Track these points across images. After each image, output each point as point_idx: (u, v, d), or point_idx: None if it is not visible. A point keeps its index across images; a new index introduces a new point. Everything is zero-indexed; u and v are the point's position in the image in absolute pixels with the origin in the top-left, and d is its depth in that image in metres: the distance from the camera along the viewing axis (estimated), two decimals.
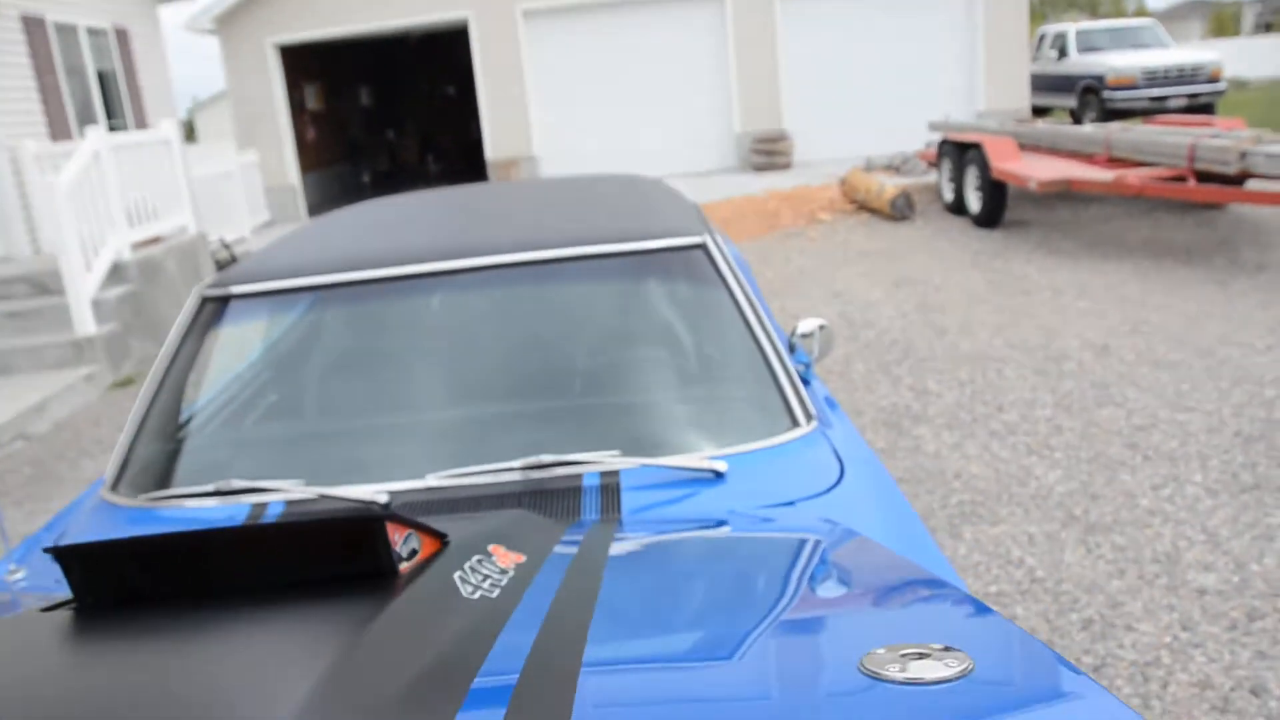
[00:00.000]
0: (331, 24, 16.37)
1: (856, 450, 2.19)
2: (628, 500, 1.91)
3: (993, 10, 16.37)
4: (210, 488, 2.07)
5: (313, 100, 18.49)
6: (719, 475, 1.98)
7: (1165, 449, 4.49)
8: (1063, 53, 17.97)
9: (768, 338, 2.37)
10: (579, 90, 16.65)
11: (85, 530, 2.14)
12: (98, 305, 8.03)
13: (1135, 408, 5.02)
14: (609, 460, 2.00)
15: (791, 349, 2.68)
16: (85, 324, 7.82)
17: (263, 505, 2.01)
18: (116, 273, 8.54)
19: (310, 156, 17.82)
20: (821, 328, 2.83)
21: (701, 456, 2.05)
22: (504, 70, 16.44)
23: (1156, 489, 4.09)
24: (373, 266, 2.44)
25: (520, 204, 2.98)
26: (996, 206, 10.10)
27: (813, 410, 2.24)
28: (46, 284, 8.45)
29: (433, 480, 2.00)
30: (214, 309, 2.54)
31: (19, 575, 2.00)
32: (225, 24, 16.37)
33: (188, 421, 2.48)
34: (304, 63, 17.77)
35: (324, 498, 1.97)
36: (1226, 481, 4.10)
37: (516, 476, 1.99)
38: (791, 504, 1.90)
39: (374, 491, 1.96)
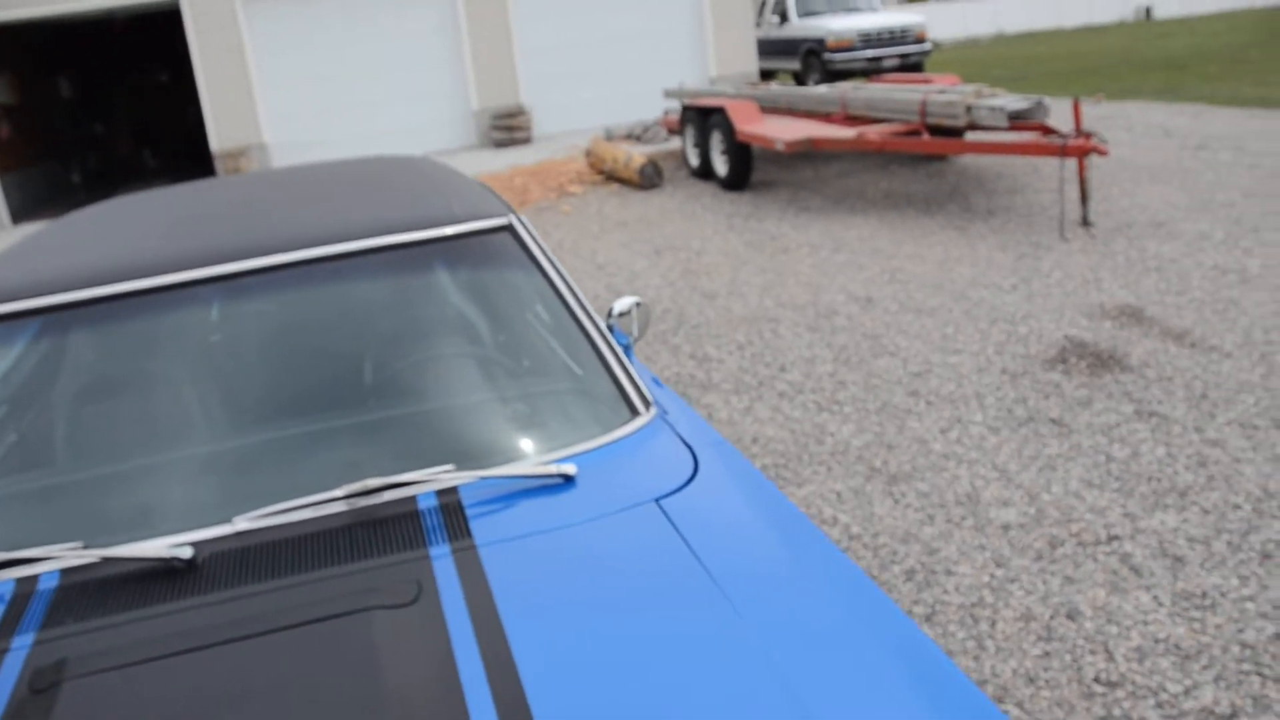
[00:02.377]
0: (19, 5, 14.85)
1: (703, 434, 2.08)
2: (475, 521, 1.70)
3: None
4: None
5: (4, 93, 16.76)
6: (568, 479, 1.82)
7: (944, 392, 4.68)
8: (784, 18, 18.63)
9: (590, 320, 2.22)
10: (310, 72, 15.86)
11: None
12: None
13: (909, 355, 5.22)
14: (444, 476, 1.78)
15: (609, 330, 2.55)
16: None
17: (31, 579, 1.64)
18: None
19: (8, 156, 16.14)
20: (638, 304, 2.72)
21: (545, 461, 1.88)
22: (225, 54, 15.42)
23: (945, 432, 4.25)
24: (134, 276, 2.09)
25: (293, 195, 2.66)
26: (743, 169, 10.33)
27: (649, 396, 2.12)
28: None
29: (242, 524, 1.71)
30: None
31: None
32: None
33: None
34: None
35: (109, 560, 1.64)
36: (1004, 417, 4.32)
37: (340, 508, 1.73)
38: (655, 501, 1.77)
39: (170, 545, 1.64)
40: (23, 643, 1.50)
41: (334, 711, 1.31)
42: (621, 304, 2.67)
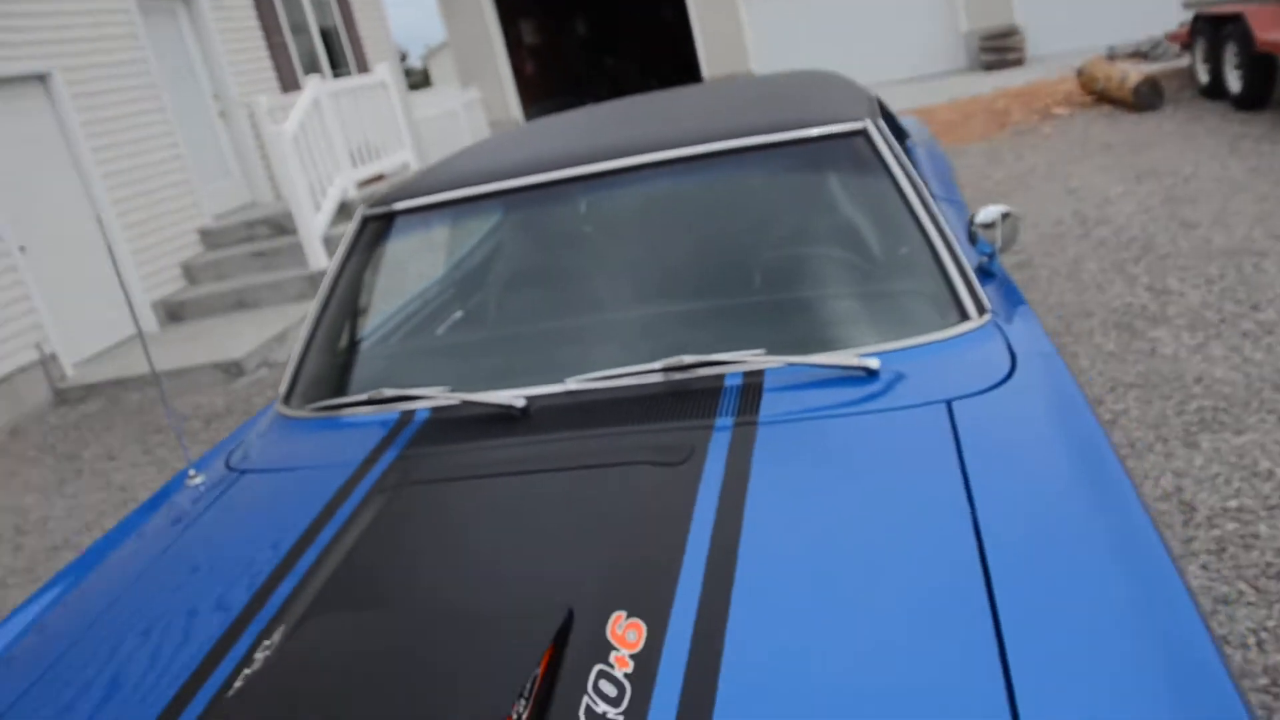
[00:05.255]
0: None
1: (1035, 345, 1.94)
2: (768, 402, 1.80)
3: None
4: (363, 397, 2.17)
5: (530, 35, 18.73)
6: (871, 374, 1.83)
7: None
8: None
9: (936, 226, 2.18)
10: (794, 2, 16.08)
11: (259, 438, 2.29)
12: (328, 241, 8.44)
13: None
14: (753, 360, 1.90)
15: (972, 239, 2.43)
16: (318, 259, 8.27)
17: (410, 412, 2.09)
18: (344, 210, 8.94)
19: (531, 90, 18.09)
20: (1005, 215, 2.56)
21: (853, 353, 1.90)
22: None
23: None
24: (523, 174, 2.42)
25: (695, 104, 2.90)
26: (1262, 84, 8.98)
27: (986, 303, 2.03)
28: (284, 225, 8.97)
29: (572, 384, 1.99)
30: (376, 228, 2.59)
31: (198, 480, 2.16)
32: None
33: (351, 336, 2.61)
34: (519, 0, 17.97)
35: (466, 403, 2.03)
36: None
37: (657, 379, 1.94)
38: (945, 402, 1.70)
39: (512, 396, 1.98)
40: (391, 455, 1.95)
41: (574, 533, 1.56)
42: (986, 213, 2.52)
